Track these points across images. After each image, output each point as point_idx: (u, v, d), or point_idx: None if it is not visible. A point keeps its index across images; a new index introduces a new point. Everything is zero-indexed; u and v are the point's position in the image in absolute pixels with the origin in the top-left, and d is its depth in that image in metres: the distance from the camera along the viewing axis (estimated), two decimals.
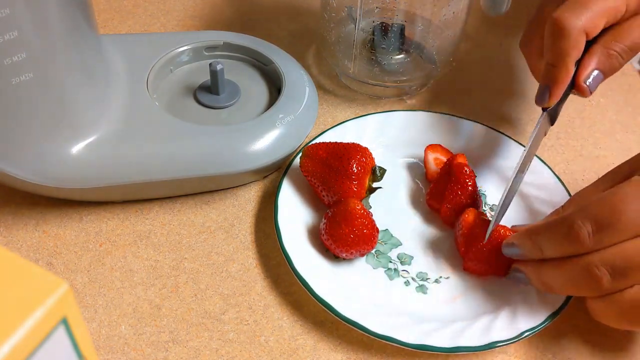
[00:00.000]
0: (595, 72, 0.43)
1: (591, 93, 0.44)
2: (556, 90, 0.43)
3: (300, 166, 0.46)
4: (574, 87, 0.44)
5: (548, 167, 0.49)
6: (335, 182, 0.44)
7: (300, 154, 0.46)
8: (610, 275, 0.35)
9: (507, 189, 0.43)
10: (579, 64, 0.44)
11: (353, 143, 0.45)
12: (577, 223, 0.36)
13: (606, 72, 0.44)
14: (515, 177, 0.43)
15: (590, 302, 0.38)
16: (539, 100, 0.45)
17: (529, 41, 0.47)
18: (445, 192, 0.45)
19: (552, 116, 0.46)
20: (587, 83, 0.43)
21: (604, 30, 0.44)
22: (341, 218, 0.42)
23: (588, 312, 0.39)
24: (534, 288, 0.41)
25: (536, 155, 0.49)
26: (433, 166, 0.48)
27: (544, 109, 0.45)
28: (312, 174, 0.45)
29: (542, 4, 0.47)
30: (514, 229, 0.43)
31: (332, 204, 0.44)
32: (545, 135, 0.46)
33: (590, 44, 0.44)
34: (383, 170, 0.46)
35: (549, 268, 0.38)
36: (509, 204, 0.43)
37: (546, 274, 0.39)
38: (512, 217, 0.46)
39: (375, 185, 0.46)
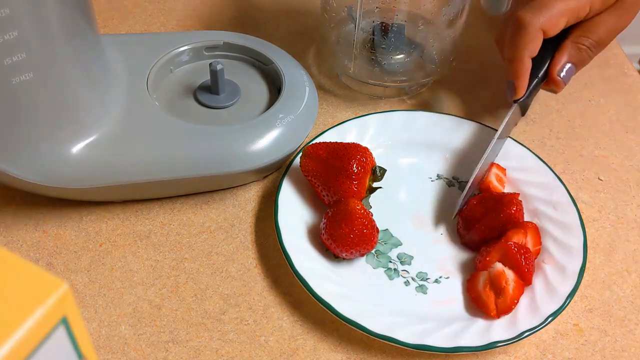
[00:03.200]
0: (568, 65, 0.47)
1: (565, 85, 0.48)
2: (519, 83, 0.47)
3: (300, 166, 0.46)
4: (549, 80, 0.48)
5: (548, 167, 0.49)
6: (336, 182, 0.44)
7: (300, 154, 0.46)
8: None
9: (477, 170, 0.46)
10: (551, 59, 0.48)
11: (353, 143, 0.45)
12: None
13: (577, 65, 0.48)
14: (486, 158, 0.47)
15: None
16: (508, 95, 0.48)
17: (500, 38, 0.51)
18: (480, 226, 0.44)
19: (522, 108, 0.49)
20: (561, 76, 0.47)
21: (573, 28, 0.48)
22: (341, 218, 0.42)
23: (588, 318, 0.38)
24: (534, 289, 0.41)
25: (536, 155, 0.49)
26: (495, 182, 0.48)
27: (514, 101, 0.49)
28: (312, 173, 0.45)
29: (516, 6, 0.50)
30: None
31: (332, 203, 0.44)
32: (515, 125, 0.49)
33: (561, 42, 0.48)
34: (383, 170, 0.46)
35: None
36: (479, 182, 0.47)
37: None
38: None
39: (375, 185, 0.46)
